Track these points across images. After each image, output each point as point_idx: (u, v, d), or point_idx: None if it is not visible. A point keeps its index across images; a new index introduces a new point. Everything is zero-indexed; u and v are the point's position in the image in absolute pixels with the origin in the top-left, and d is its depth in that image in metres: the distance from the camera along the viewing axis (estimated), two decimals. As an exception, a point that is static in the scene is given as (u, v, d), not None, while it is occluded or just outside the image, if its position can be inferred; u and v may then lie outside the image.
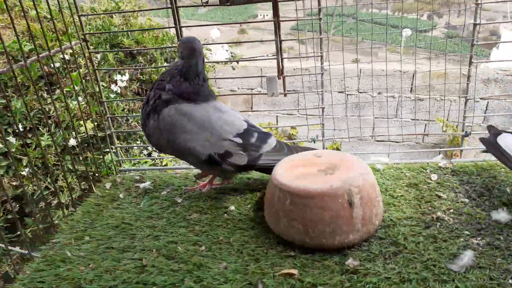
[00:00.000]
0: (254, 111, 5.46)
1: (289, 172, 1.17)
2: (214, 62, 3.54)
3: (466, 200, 1.27)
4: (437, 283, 0.97)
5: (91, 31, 2.77)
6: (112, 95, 2.66)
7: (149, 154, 2.72)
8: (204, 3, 1.41)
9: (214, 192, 1.46)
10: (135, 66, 2.92)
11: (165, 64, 3.23)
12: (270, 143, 1.36)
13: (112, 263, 1.15)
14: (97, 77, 1.61)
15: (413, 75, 4.19)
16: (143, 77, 2.99)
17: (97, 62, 2.63)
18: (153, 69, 2.98)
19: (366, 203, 1.09)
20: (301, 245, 1.12)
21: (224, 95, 4.56)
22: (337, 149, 5.26)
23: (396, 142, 4.76)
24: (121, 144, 2.48)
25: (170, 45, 3.25)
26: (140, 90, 3.10)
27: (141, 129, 1.42)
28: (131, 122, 2.85)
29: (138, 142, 2.73)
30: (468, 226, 1.15)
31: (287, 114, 5.81)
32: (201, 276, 1.07)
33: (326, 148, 5.58)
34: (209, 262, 1.12)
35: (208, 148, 1.28)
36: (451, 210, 1.23)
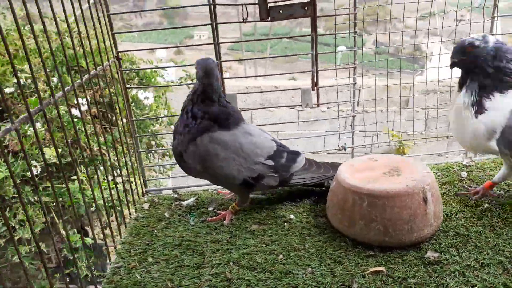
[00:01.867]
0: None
1: (356, 177, 1.23)
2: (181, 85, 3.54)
3: (502, 192, 1.42)
4: (512, 265, 1.08)
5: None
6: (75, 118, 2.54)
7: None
8: (244, 19, 1.46)
9: (265, 203, 1.49)
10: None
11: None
12: (299, 162, 1.43)
13: (193, 280, 1.14)
14: (127, 95, 1.58)
15: (360, 90, 4.50)
16: (103, 100, 2.90)
17: (54, 85, 2.50)
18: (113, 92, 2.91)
19: (435, 199, 1.19)
20: (378, 245, 1.18)
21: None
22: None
23: (348, 154, 5.05)
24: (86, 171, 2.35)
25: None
26: (100, 113, 2.99)
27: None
28: (93, 146, 2.71)
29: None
30: (514, 213, 1.29)
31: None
32: (292, 282, 1.09)
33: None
34: (294, 269, 1.14)
35: (242, 173, 1.33)
36: (493, 202, 1.36)
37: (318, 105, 1.62)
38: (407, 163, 1.29)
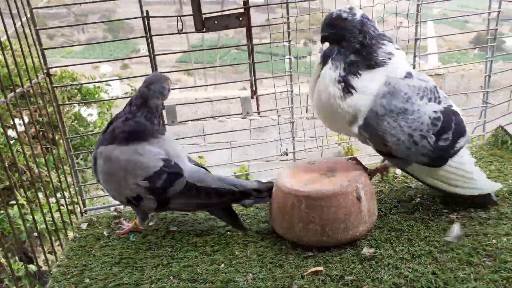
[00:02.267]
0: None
1: (295, 180, 1.25)
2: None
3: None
4: (441, 254, 1.14)
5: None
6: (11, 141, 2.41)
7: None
8: (179, 30, 1.46)
9: (207, 214, 1.47)
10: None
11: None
12: (178, 185, 1.27)
13: (133, 297, 1.10)
14: (60, 113, 1.53)
15: (307, 97, 4.64)
16: (42, 118, 2.79)
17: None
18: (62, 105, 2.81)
19: (369, 197, 1.23)
20: (317, 245, 1.21)
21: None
22: (246, 171, 5.47)
23: (298, 159, 5.16)
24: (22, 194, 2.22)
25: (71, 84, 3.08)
26: (40, 133, 2.87)
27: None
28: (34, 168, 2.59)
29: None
30: (444, 205, 1.36)
31: (192, 143, 5.87)
32: (233, 291, 1.09)
33: (234, 173, 5.72)
34: (235, 277, 1.14)
35: (124, 191, 1.29)
36: (425, 196, 1.44)
37: (258, 113, 1.64)
38: (342, 164, 1.33)
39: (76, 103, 2.60)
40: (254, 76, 1.54)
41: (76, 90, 3.43)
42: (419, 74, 1.26)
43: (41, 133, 2.95)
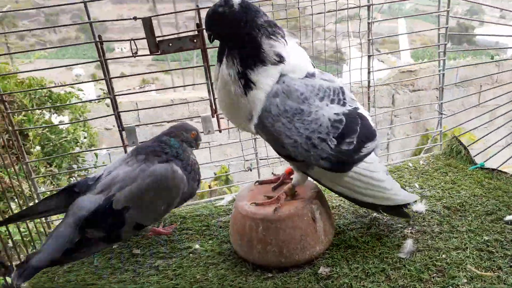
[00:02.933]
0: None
1: (252, 201, 1.28)
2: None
3: (389, 199, 1.55)
4: (394, 270, 1.18)
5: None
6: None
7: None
8: (134, 53, 1.46)
9: (170, 235, 1.49)
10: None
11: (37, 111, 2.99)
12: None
13: (94, 327, 1.11)
14: (18, 138, 1.51)
15: None
16: (12, 128, 2.73)
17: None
18: (24, 118, 2.77)
19: (325, 216, 1.27)
20: (276, 266, 1.24)
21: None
22: (226, 172, 5.49)
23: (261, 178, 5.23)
24: None
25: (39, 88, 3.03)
26: (10, 142, 2.82)
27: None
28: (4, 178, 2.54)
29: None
30: (398, 220, 1.42)
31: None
32: (193, 316, 1.11)
33: (215, 174, 5.69)
34: (196, 302, 1.16)
35: None
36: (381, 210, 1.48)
37: (220, 131, 1.66)
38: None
39: (27, 110, 2.54)
40: (213, 95, 1.56)
41: (46, 97, 3.38)
42: (324, 74, 1.19)
43: (10, 142, 2.91)
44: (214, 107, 1.59)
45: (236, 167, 5.27)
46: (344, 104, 1.16)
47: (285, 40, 1.13)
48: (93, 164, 3.21)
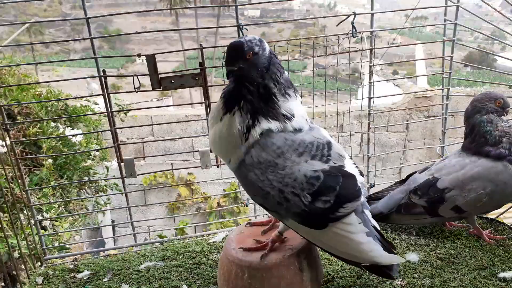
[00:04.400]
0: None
1: (242, 246, 1.28)
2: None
3: (383, 246, 1.52)
4: (379, 326, 1.16)
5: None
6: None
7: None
8: (136, 88, 1.49)
9: (160, 272, 1.49)
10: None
11: (52, 124, 3.05)
12: None
13: None
14: (19, 166, 1.55)
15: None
16: (26, 139, 2.79)
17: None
18: (39, 130, 2.83)
19: (311, 265, 1.26)
20: (261, 313, 1.23)
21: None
22: (235, 189, 5.48)
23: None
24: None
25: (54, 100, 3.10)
26: (24, 154, 2.87)
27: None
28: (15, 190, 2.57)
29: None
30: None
31: (182, 160, 5.90)
32: None
33: (224, 190, 5.68)
34: None
35: None
36: (374, 257, 1.46)
37: (218, 166, 1.67)
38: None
39: (32, 121, 2.57)
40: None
41: (62, 110, 3.45)
42: (314, 130, 1.16)
43: (24, 154, 2.97)
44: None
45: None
46: (327, 161, 1.12)
47: (296, 96, 1.13)
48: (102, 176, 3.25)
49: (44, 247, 1.68)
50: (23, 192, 1.64)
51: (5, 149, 2.67)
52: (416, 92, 5.98)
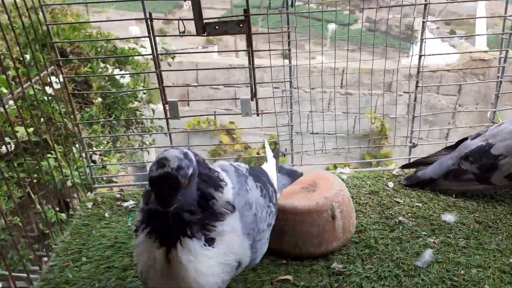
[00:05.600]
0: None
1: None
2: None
3: (420, 204, 1.52)
4: (407, 278, 1.19)
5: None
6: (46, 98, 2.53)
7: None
8: (181, 33, 1.50)
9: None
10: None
11: (101, 64, 3.15)
12: None
13: (119, 281, 1.23)
14: (71, 102, 1.64)
15: (343, 71, 4.55)
16: (78, 78, 2.91)
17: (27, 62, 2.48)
18: (89, 69, 2.93)
19: (345, 215, 1.28)
20: (290, 255, 1.28)
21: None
22: (275, 142, 5.54)
23: (329, 134, 5.18)
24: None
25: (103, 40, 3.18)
26: (75, 91, 3.00)
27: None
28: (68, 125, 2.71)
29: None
30: (424, 227, 1.39)
31: (224, 109, 5.97)
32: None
33: (278, 149, 5.78)
34: (211, 275, 1.24)
35: None
36: (409, 214, 1.47)
37: (258, 114, 1.69)
38: (325, 179, 1.37)
39: (75, 59, 2.67)
40: (254, 80, 1.57)
41: (111, 52, 3.56)
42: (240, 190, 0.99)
43: (75, 91, 3.13)
44: (254, 90, 1.61)
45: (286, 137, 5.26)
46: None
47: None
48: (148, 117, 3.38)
49: (94, 177, 1.79)
50: (75, 126, 1.74)
51: (58, 85, 2.82)
52: (470, 52, 5.59)
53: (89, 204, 1.64)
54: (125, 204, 1.62)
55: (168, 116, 1.61)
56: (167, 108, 1.59)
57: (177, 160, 0.79)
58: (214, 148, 6.29)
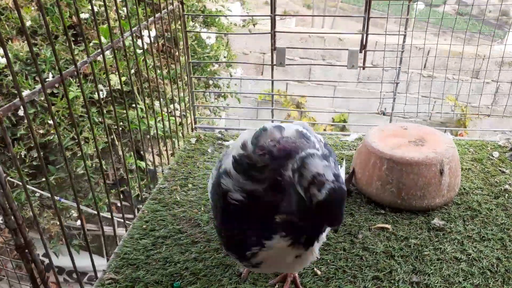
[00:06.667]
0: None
1: (382, 142, 1.32)
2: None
3: (528, 176, 1.45)
4: (512, 243, 1.16)
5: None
6: (139, 51, 2.64)
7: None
8: None
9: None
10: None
11: (191, 23, 3.23)
12: None
13: (222, 208, 1.33)
14: (187, 38, 1.73)
15: (428, 52, 4.32)
16: (168, 34, 3.00)
17: (124, 15, 2.58)
18: (179, 26, 3.03)
19: (452, 173, 1.26)
20: (390, 206, 1.30)
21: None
22: (344, 120, 5.43)
23: (403, 117, 4.97)
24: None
25: None
26: (164, 48, 3.12)
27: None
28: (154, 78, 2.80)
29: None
30: (534, 198, 1.34)
31: (298, 81, 5.92)
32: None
33: (332, 119, 5.65)
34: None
35: None
36: (516, 184, 1.41)
37: (363, 68, 1.68)
38: (434, 135, 1.35)
39: (199, 32, 2.80)
40: (367, 31, 1.56)
41: (200, 11, 3.67)
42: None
43: (164, 47, 3.28)
44: (364, 42, 1.60)
45: (354, 116, 5.18)
46: None
47: None
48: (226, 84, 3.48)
49: (196, 117, 1.91)
50: (188, 79, 1.84)
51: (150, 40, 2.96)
52: None
53: (193, 140, 1.76)
54: (226, 143, 1.72)
55: (274, 62, 1.65)
56: (275, 54, 1.63)
57: (329, 170, 0.67)
58: (281, 121, 6.33)
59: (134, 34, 1.27)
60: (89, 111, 1.18)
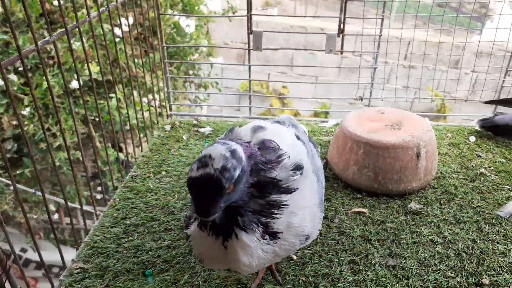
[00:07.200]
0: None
1: (359, 126, 1.31)
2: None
3: (503, 160, 1.46)
4: (487, 225, 1.16)
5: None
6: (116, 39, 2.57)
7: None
8: None
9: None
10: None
11: (170, 11, 3.15)
12: None
13: (197, 195, 1.29)
14: (160, 20, 1.67)
15: (409, 43, 4.34)
16: (147, 22, 2.93)
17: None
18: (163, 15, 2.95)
19: (429, 156, 1.25)
20: (367, 190, 1.28)
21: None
22: (327, 113, 5.44)
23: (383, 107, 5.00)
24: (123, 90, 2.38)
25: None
26: (141, 36, 3.03)
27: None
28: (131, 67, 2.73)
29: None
30: (507, 181, 1.34)
31: (280, 72, 5.90)
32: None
33: (315, 109, 5.67)
34: (286, 199, 1.27)
35: None
36: (491, 168, 1.41)
37: (341, 52, 1.65)
38: (412, 119, 1.34)
39: (175, 15, 2.73)
40: (344, 14, 1.54)
41: (180, 0, 3.59)
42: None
43: (142, 35, 3.20)
44: (342, 26, 1.58)
45: (336, 106, 5.20)
46: None
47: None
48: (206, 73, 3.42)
49: (171, 103, 1.86)
50: (162, 64, 1.79)
51: (126, 28, 2.87)
52: None
53: (167, 127, 1.71)
54: (202, 130, 1.68)
55: (251, 47, 1.62)
56: (251, 38, 1.60)
57: (222, 159, 0.64)
58: (264, 111, 6.31)
59: (101, 15, 1.21)
60: (69, 99, 1.11)
